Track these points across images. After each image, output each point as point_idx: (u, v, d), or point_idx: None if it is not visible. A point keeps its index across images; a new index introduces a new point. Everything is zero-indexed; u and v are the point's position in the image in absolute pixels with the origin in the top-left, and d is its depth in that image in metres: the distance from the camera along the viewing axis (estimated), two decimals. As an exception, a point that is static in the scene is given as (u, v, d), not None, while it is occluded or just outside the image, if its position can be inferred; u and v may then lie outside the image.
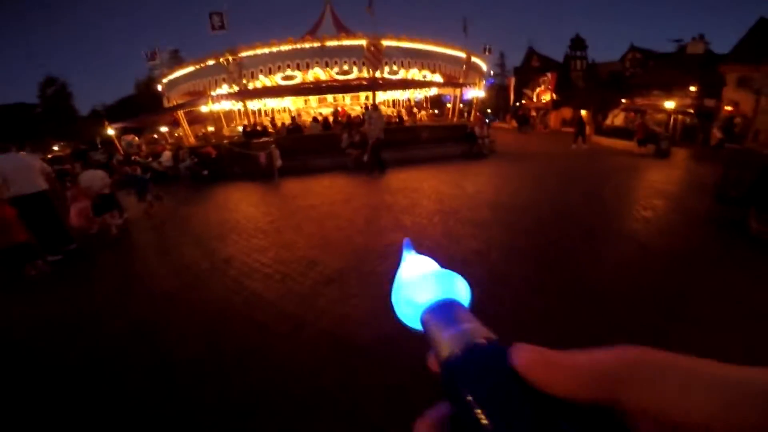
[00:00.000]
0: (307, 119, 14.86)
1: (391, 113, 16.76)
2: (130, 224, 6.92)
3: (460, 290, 0.29)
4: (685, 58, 24.37)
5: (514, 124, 31.67)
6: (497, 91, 40.32)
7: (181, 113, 16.02)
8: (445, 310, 0.27)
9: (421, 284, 0.29)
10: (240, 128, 14.62)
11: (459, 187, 8.13)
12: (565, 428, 0.19)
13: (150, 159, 13.43)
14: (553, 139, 21.96)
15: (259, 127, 13.36)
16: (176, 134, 19.20)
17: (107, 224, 6.30)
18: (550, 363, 0.21)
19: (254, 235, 5.56)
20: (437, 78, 16.82)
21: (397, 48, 13.90)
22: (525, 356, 0.22)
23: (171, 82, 16.64)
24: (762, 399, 0.16)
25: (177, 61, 14.87)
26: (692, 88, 21.54)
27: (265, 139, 10.99)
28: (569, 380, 0.20)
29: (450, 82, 16.77)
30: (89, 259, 5.31)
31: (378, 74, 13.82)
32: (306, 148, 12.03)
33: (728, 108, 19.27)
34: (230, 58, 13.24)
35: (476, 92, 18.04)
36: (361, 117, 12.78)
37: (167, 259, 5.11)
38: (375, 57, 13.01)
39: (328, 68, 13.79)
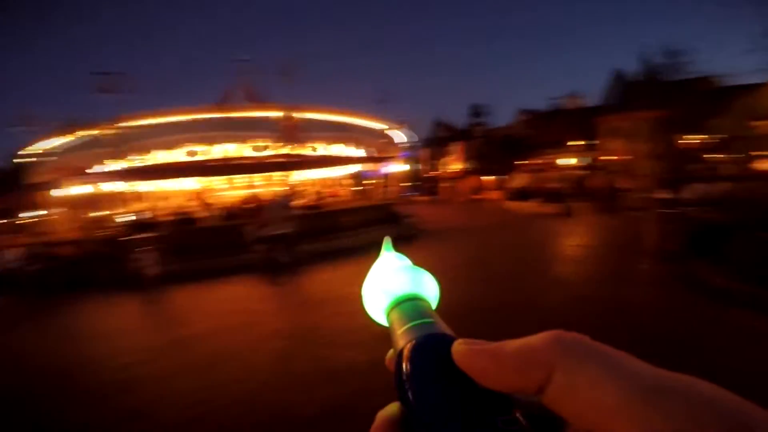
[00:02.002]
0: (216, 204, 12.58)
1: (304, 197, 14.74)
2: None
3: (429, 289, 0.29)
4: (566, 114, 27.54)
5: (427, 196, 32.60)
6: (412, 163, 41.76)
7: (51, 195, 12.82)
8: (409, 305, 0.27)
9: (390, 279, 0.29)
10: (126, 217, 11.82)
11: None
12: (498, 425, 0.19)
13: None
14: (472, 208, 22.27)
15: (148, 216, 10.88)
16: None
17: None
18: (481, 351, 0.21)
19: (91, 391, 3.50)
20: (358, 152, 16.08)
21: (315, 121, 12.97)
22: (460, 347, 0.21)
23: (42, 154, 13.32)
24: (672, 401, 0.15)
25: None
26: (579, 142, 24.06)
27: (145, 235, 8.65)
28: (498, 367, 0.20)
29: (371, 156, 16.04)
30: None
31: (295, 150, 12.57)
32: (200, 245, 9.64)
33: (609, 157, 21.75)
34: (109, 130, 10.95)
35: (396, 166, 17.68)
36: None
37: None
38: (290, 130, 11.84)
39: (239, 143, 12.22)
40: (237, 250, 8.95)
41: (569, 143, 24.67)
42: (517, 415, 0.20)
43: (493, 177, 31.43)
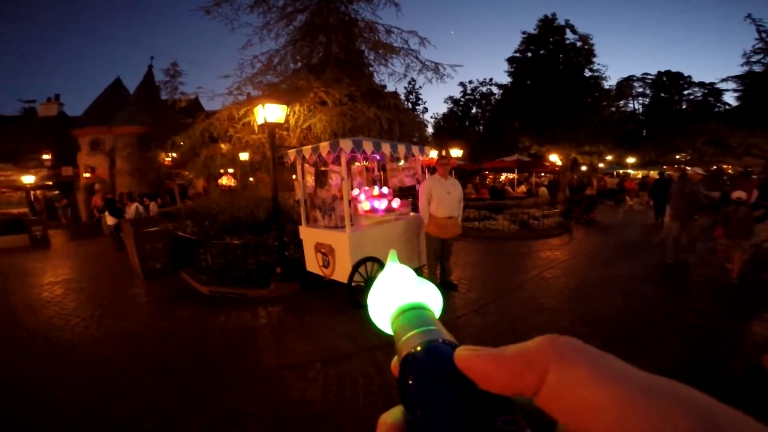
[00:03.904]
0: None
1: None
2: None
3: (433, 299, 0.30)
4: (37, 122, 21.79)
5: None
6: None
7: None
8: (414, 314, 0.28)
9: (395, 289, 0.30)
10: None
11: None
12: (499, 425, 0.20)
13: None
14: None
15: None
16: None
17: None
18: (482, 355, 0.21)
19: None
20: None
21: None
22: (462, 352, 0.22)
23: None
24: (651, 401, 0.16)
25: None
26: (46, 156, 19.51)
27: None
28: (497, 370, 0.20)
29: None
30: None
31: None
32: None
33: (87, 174, 19.18)
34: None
35: None
36: None
37: None
38: None
39: None
40: None
41: (34, 157, 19.00)
42: (517, 416, 0.20)
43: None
